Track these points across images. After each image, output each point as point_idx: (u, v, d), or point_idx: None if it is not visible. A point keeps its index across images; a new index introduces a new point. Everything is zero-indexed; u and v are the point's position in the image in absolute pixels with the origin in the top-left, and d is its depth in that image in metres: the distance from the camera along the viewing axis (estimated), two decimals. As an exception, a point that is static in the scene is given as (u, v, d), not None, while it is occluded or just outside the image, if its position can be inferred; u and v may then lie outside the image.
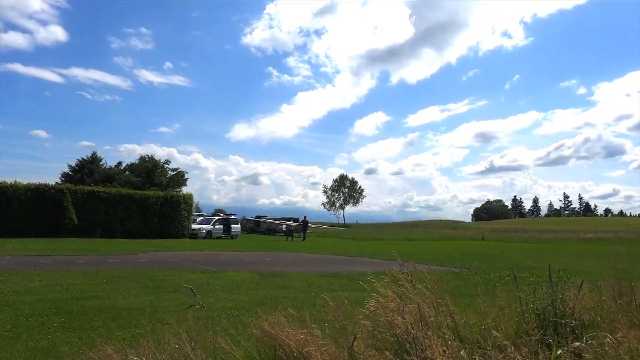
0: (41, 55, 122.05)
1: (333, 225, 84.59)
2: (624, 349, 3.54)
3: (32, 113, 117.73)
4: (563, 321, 4.29)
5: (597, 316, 4.71)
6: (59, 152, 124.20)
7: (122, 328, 6.22)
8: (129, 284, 10.42)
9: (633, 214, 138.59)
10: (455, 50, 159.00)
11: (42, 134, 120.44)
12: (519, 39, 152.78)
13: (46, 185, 31.05)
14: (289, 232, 41.84)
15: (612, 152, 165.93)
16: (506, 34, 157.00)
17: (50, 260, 15.24)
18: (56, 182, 41.51)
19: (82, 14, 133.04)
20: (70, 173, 55.40)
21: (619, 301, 5.15)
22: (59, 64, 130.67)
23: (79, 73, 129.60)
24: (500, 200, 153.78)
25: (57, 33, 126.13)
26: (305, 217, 43.15)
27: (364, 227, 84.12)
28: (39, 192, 30.11)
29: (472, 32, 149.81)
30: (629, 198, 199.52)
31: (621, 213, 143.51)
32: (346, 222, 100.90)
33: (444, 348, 3.29)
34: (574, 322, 4.31)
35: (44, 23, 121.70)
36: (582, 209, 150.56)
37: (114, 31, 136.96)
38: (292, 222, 46.46)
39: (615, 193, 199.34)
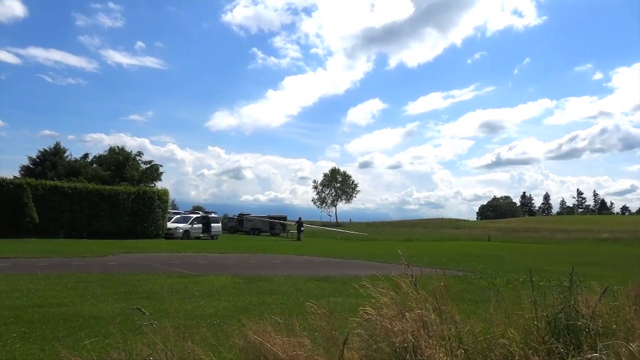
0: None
1: (324, 224, 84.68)
2: (642, 359, 3.59)
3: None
4: (577, 329, 4.35)
5: (612, 323, 4.77)
6: (18, 142, 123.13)
7: (90, 338, 6.19)
8: (97, 290, 10.37)
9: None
10: (460, 30, 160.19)
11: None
12: (531, 18, 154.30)
13: (3, 180, 30.68)
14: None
15: (630, 144, 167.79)
16: (517, 13, 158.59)
17: (8, 264, 15.10)
18: (15, 176, 41.10)
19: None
20: (31, 166, 54.91)
21: (634, 307, 5.21)
22: (16, 42, 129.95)
23: (39, 53, 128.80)
24: (507, 197, 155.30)
25: (15, 8, 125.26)
26: (300, 217, 46.65)
27: (358, 226, 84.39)
28: (-5, 188, 29.79)
29: (479, 10, 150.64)
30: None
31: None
32: (338, 220, 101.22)
33: (447, 358, 3.32)
34: (587, 330, 4.37)
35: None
36: (597, 206, 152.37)
37: (79, 6, 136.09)
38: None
39: (633, 189, 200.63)
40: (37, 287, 10.42)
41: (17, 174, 52.52)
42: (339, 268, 17.60)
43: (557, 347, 3.94)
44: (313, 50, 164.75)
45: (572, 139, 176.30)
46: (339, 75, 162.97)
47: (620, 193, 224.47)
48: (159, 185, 57.75)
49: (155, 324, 4.02)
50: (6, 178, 31.46)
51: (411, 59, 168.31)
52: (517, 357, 3.70)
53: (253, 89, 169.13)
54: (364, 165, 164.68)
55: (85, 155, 61.67)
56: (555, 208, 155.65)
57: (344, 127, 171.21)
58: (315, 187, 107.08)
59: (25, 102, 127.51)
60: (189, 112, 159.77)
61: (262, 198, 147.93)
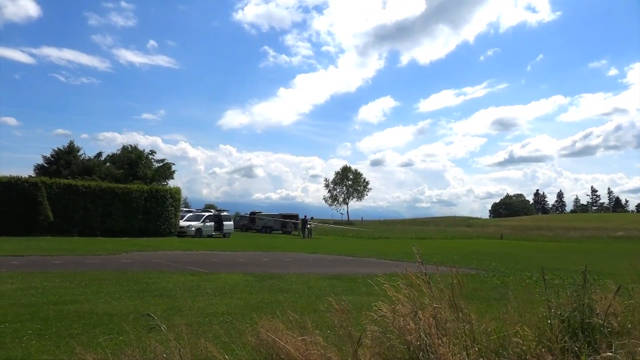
0: (9, 32, 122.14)
1: (336, 222, 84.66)
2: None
3: (0, 98, 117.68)
4: (591, 327, 4.31)
5: (627, 322, 4.72)
6: (32, 141, 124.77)
7: (104, 335, 6.25)
8: (110, 287, 10.45)
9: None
10: (473, 26, 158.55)
11: (11, 121, 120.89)
12: (545, 13, 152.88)
13: (18, 179, 31.00)
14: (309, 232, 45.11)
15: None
16: (530, 8, 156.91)
17: (23, 261, 15.27)
18: (29, 175, 41.56)
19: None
20: (45, 165, 55.42)
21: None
22: (30, 42, 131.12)
23: (52, 53, 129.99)
24: (520, 195, 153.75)
25: (28, 8, 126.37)
26: (305, 216, 47.54)
27: (370, 224, 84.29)
28: (10, 186, 30.08)
29: (492, 6, 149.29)
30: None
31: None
32: (350, 218, 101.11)
33: (461, 356, 3.31)
34: (602, 329, 4.33)
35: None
36: (612, 204, 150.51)
37: (92, 6, 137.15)
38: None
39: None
40: (52, 285, 10.53)
41: (32, 173, 53.07)
42: (350, 266, 17.59)
43: (571, 345, 3.91)
44: (324, 48, 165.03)
45: (586, 136, 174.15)
46: (351, 73, 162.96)
47: (635, 190, 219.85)
48: (171, 183, 58.12)
49: (164, 328, 4.04)
50: (21, 177, 31.78)
51: (423, 56, 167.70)
52: (529, 356, 3.67)
53: (264, 87, 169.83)
54: (376, 163, 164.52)
55: (99, 154, 62.11)
56: (569, 206, 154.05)
57: (355, 125, 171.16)
58: (327, 185, 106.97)
59: (39, 102, 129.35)
60: (200, 110, 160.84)
61: (274, 196, 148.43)
